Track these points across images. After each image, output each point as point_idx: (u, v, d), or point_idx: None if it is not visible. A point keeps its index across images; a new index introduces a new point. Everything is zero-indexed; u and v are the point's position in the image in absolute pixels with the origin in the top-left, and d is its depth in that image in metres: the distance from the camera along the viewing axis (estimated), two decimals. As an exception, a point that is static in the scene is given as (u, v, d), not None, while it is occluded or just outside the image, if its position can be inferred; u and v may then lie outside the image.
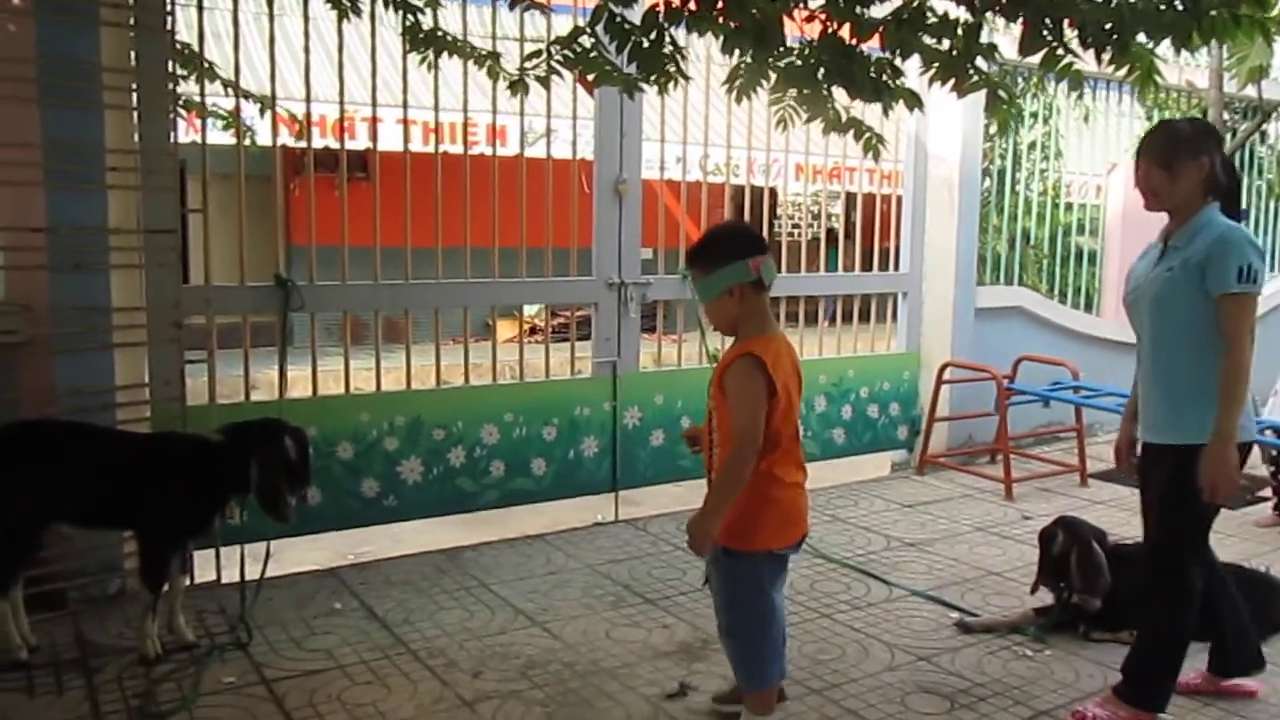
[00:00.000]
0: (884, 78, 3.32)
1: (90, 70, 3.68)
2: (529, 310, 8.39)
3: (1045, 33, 3.02)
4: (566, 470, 5.06)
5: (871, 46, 3.40)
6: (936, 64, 3.23)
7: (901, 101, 3.41)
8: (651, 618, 3.88)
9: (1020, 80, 6.96)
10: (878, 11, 3.28)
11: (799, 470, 2.85)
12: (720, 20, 3.23)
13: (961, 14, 3.19)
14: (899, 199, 6.57)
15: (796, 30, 3.46)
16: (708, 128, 5.71)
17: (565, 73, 3.72)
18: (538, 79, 3.71)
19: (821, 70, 3.43)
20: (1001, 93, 3.27)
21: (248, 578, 3.92)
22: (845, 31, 3.34)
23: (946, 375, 6.17)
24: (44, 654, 3.43)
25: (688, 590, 4.15)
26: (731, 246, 2.78)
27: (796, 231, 12.62)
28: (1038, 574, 3.93)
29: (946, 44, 3.27)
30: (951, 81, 3.22)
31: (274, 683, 3.29)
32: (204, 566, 4.08)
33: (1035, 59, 3.12)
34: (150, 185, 3.84)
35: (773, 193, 6.20)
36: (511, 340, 8.57)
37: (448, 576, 4.29)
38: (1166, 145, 2.97)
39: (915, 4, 3.27)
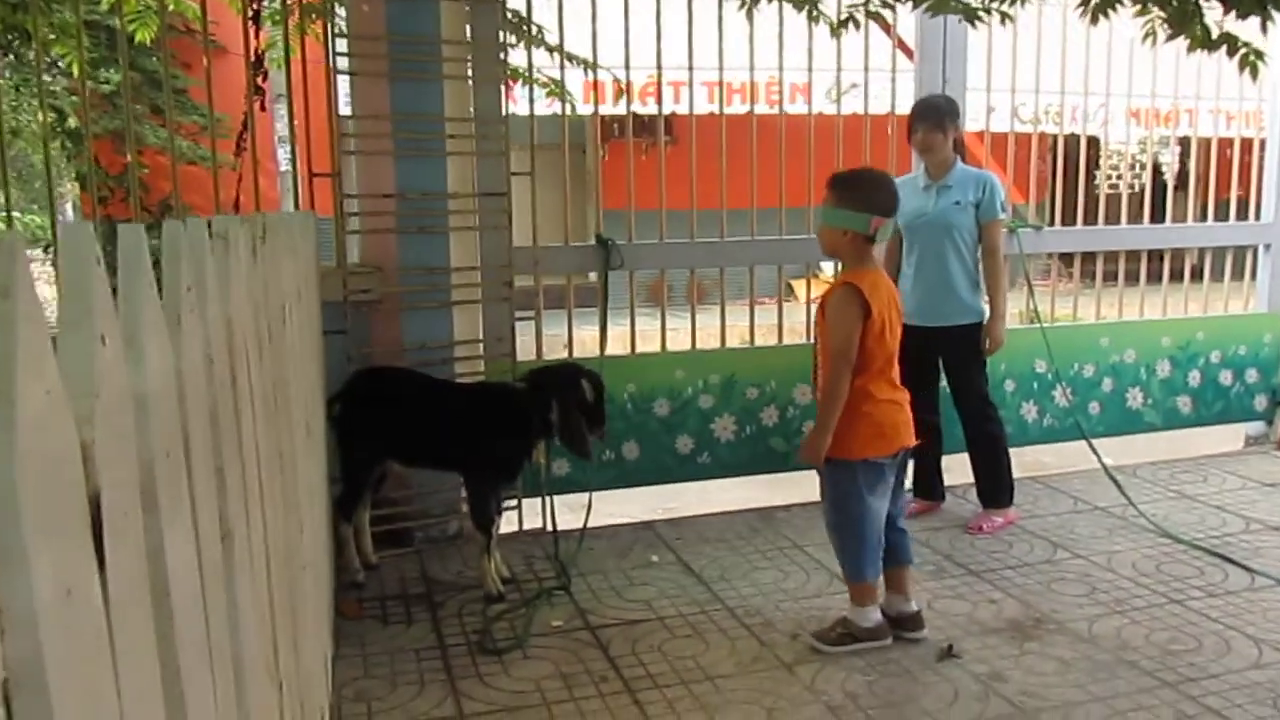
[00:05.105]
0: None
1: (431, 44, 3.91)
2: (828, 271, 8.21)
3: None
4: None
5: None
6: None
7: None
8: (977, 590, 3.66)
9: None
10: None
11: (894, 389, 3.13)
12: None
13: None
14: (1261, 142, 5.80)
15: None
16: (1039, 72, 5.25)
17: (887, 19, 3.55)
18: (869, 14, 3.56)
19: (1190, -17, 3.03)
20: None
21: (572, 526, 4.08)
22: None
23: (1319, 339, 5.41)
24: (394, 587, 3.75)
25: (1015, 564, 3.89)
26: (865, 199, 3.03)
27: (1121, 182, 11.47)
28: None
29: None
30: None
31: (598, 629, 3.40)
32: (532, 515, 4.29)
33: None
34: (483, 151, 4.04)
35: (1095, 141, 5.62)
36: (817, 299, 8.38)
37: (760, 536, 4.27)
38: (941, 115, 4.12)
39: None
